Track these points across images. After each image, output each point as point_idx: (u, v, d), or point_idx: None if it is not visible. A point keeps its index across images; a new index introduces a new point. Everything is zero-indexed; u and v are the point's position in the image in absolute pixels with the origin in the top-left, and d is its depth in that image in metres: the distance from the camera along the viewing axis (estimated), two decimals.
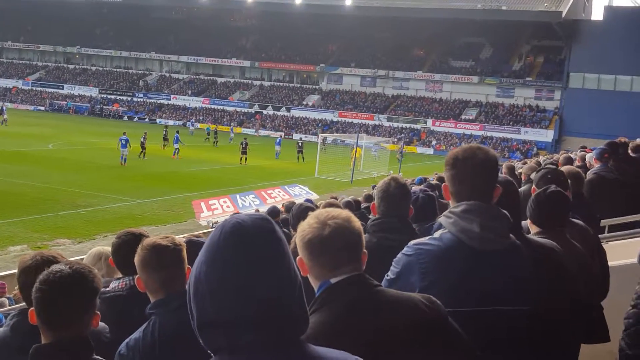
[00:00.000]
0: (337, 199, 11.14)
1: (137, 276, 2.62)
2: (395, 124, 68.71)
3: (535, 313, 2.33)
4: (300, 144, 43.48)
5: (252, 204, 21.76)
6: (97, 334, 2.55)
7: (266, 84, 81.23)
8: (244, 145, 37.94)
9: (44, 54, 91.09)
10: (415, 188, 5.08)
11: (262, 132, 68.46)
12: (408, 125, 68.34)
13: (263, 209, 20.43)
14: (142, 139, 35.75)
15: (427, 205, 4.45)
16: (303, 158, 40.65)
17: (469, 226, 2.33)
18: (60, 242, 16.49)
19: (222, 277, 1.41)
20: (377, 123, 69.40)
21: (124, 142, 32.65)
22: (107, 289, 3.12)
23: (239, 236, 1.42)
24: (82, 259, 3.88)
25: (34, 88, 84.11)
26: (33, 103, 78.61)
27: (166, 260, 2.54)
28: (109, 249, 3.85)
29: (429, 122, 68.00)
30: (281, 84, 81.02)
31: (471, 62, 72.64)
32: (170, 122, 66.35)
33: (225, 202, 21.26)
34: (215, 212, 20.38)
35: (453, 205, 2.47)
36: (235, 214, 7.94)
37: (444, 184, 2.57)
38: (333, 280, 1.89)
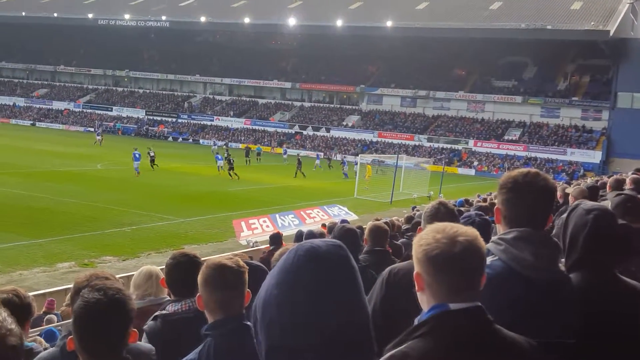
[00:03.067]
0: (379, 220, 11.29)
1: (198, 294, 2.60)
2: (436, 145, 68.48)
3: (584, 347, 2.20)
4: (299, 159, 44.53)
5: (291, 224, 21.99)
6: (143, 355, 2.63)
7: (306, 104, 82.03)
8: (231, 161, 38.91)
9: (94, 77, 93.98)
10: (470, 212, 4.91)
11: (303, 153, 68.86)
12: (449, 146, 68.04)
13: (303, 229, 20.73)
14: (151, 154, 38.91)
15: (483, 230, 4.31)
16: (303, 174, 41.69)
17: (521, 254, 2.24)
18: (106, 259, 17.06)
19: (295, 301, 1.39)
20: (417, 143, 69.28)
21: (137, 156, 36.13)
22: (168, 311, 3.15)
23: (314, 261, 1.40)
24: (131, 276, 4.11)
25: (84, 110, 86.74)
26: (83, 124, 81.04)
27: (229, 281, 2.52)
28: (158, 268, 4.06)
29: (471, 142, 67.56)
30: (321, 104, 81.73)
31: (514, 82, 72.04)
32: (220, 143, 67.44)
33: (264, 221, 21.59)
34: (255, 231, 20.72)
35: (504, 231, 2.39)
36: (306, 234, 8.13)
37: (496, 207, 2.48)
38: (453, 307, 1.73)
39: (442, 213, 3.38)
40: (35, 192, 26.41)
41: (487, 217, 4.39)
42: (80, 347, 2.10)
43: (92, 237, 19.42)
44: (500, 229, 2.45)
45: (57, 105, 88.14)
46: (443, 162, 49.72)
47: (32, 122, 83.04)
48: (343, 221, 11.66)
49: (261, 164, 50.07)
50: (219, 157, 41.51)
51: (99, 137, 57.12)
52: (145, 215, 23.56)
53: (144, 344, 2.74)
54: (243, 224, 20.79)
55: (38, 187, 27.79)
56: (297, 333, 1.40)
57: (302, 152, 68.96)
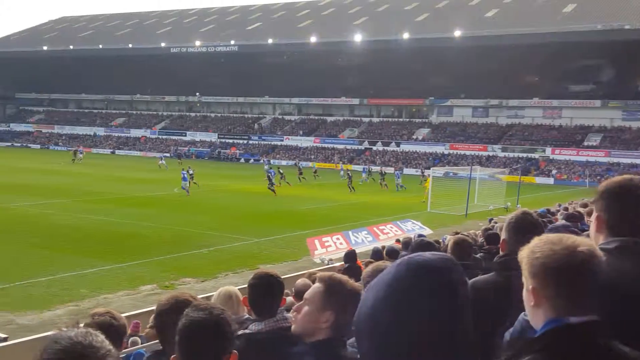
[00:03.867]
0: (458, 233, 11.06)
1: (328, 312, 2.55)
2: (511, 154, 66.91)
3: None
4: (349, 174, 45.56)
5: (364, 241, 21.85)
6: None
7: (375, 120, 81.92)
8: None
9: (168, 104, 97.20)
10: (557, 222, 4.69)
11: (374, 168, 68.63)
12: (524, 155, 66.33)
13: (376, 245, 20.55)
14: (190, 172, 39.46)
15: None
16: (352, 188, 42.30)
17: (622, 265, 2.14)
18: (186, 281, 17.40)
19: (405, 316, 1.35)
20: (491, 154, 67.89)
21: (184, 175, 37.79)
22: (251, 330, 3.17)
23: (426, 275, 1.36)
24: (211, 297, 4.15)
25: (160, 136, 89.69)
26: (159, 150, 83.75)
27: (342, 300, 2.54)
28: (236, 289, 4.08)
29: (548, 150, 65.65)
30: (390, 119, 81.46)
31: (591, 85, 69.65)
32: (284, 162, 68.28)
33: (338, 239, 21.52)
34: (329, 249, 20.67)
35: (604, 241, 2.29)
36: (387, 250, 8.08)
37: (596, 214, 2.37)
38: (573, 320, 1.64)
39: (528, 223, 3.26)
40: (117, 217, 27.34)
41: (574, 229, 4.15)
42: None
43: (171, 260, 19.87)
44: (600, 238, 2.33)
45: (135, 132, 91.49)
46: (519, 171, 48.42)
47: (111, 150, 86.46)
48: (420, 235, 11.44)
49: (321, 181, 50.14)
50: (272, 172, 42.90)
51: (162, 162, 58.65)
52: (221, 237, 23.95)
53: None
54: (317, 242, 20.79)
55: (119, 213, 28.77)
56: (406, 347, 1.37)
57: (374, 167, 68.83)
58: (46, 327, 12.82)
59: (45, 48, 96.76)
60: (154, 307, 10.64)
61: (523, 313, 2.16)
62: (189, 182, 38.17)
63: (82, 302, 14.95)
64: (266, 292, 3.32)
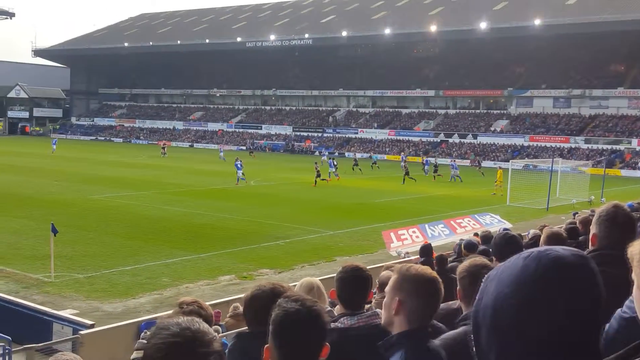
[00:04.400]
0: (545, 227, 10.66)
1: (397, 299, 2.58)
2: (595, 146, 64.34)
3: None
4: (406, 166, 45.68)
5: (441, 234, 21.50)
6: None
7: (451, 112, 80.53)
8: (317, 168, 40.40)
9: (244, 98, 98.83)
10: None
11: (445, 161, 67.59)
12: (609, 147, 63.64)
13: (453, 239, 20.18)
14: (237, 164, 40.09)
15: None
16: (413, 179, 42.24)
17: None
18: (263, 272, 17.62)
19: (536, 313, 1.29)
20: (573, 146, 65.50)
21: (239, 165, 39.10)
22: (343, 325, 3.14)
23: (560, 271, 1.29)
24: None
25: (236, 130, 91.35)
26: (236, 143, 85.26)
27: (436, 291, 2.60)
28: (318, 280, 4.05)
29: (634, 141, 62.72)
30: (467, 110, 79.86)
31: None
32: (359, 155, 68.12)
33: (414, 232, 21.26)
34: (405, 242, 20.46)
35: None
36: (465, 244, 7.88)
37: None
38: None
39: (621, 217, 3.11)
40: (196, 209, 28.01)
41: None
42: (278, 356, 2.12)
43: (249, 251, 20.18)
44: None
45: (212, 126, 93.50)
46: (603, 164, 46.50)
47: (190, 143, 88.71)
48: (505, 229, 11.11)
49: (381, 172, 49.63)
50: (332, 162, 44.42)
51: (221, 154, 59.28)
52: (297, 229, 24.13)
53: None
54: (392, 234, 20.61)
55: (198, 204, 29.47)
56: (536, 345, 1.29)
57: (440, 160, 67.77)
58: (130, 314, 13.27)
59: (126, 44, 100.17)
60: (232, 297, 10.88)
61: (620, 310, 2.09)
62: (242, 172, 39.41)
63: (165, 291, 15.38)
64: (356, 285, 3.28)
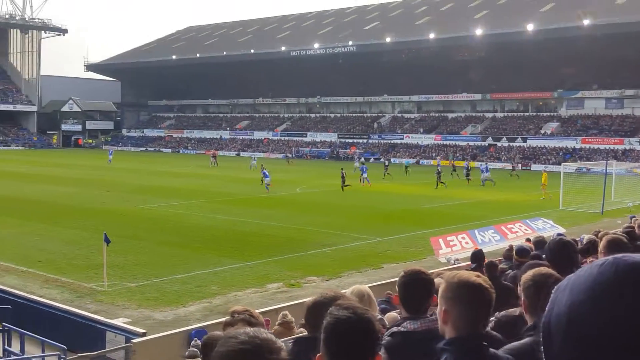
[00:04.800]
0: (601, 232, 10.37)
1: (444, 308, 2.58)
2: None
3: None
4: (439, 170, 45.05)
5: (492, 240, 21.13)
6: None
7: (499, 115, 79.34)
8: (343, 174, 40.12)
9: (289, 106, 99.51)
10: None
11: (499, 165, 66.62)
12: None
13: (504, 245, 19.79)
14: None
15: None
16: (444, 184, 42.20)
17: None
18: (311, 279, 17.60)
19: (614, 320, 1.24)
20: (627, 147, 63.62)
21: (266, 173, 39.44)
22: (407, 329, 3.13)
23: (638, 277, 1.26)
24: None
25: (282, 138, 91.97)
26: (281, 151, 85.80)
27: (484, 299, 2.56)
28: (368, 287, 4.02)
29: None
30: (515, 113, 78.56)
31: None
32: (405, 161, 67.73)
33: (463, 238, 20.95)
34: (454, 248, 20.18)
35: None
36: (517, 249, 7.72)
37: None
38: None
39: None
40: (243, 217, 28.24)
41: None
42: None
43: (296, 259, 20.21)
44: None
45: (258, 135, 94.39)
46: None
47: (236, 152, 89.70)
48: (558, 234, 10.81)
49: (423, 177, 49.10)
50: (364, 168, 44.92)
51: (253, 162, 59.21)
52: (343, 236, 24.07)
53: None
54: (441, 241, 20.36)
55: (245, 212, 29.72)
56: (613, 351, 1.22)
57: (499, 164, 66.76)
58: (180, 323, 13.42)
59: (174, 57, 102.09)
60: (280, 305, 10.88)
61: None
62: (269, 179, 39.66)
63: (214, 299, 15.52)
64: (418, 289, 3.28)
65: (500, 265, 10.12)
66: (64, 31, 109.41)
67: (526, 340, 2.92)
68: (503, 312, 3.89)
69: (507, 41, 72.86)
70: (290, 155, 77.24)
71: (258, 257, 20.12)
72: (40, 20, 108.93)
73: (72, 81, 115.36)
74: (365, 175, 43.52)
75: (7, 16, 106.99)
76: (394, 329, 3.16)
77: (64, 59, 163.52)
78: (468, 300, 2.51)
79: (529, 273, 3.34)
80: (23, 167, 55.84)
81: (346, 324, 2.08)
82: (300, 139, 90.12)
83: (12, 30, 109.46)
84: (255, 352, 1.51)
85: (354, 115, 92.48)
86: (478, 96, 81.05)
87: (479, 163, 57.59)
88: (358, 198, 36.57)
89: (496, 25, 73.16)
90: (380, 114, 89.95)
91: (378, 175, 47.35)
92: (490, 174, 46.27)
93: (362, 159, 63.02)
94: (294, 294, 15.99)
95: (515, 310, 3.67)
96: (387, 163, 55.59)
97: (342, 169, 42.10)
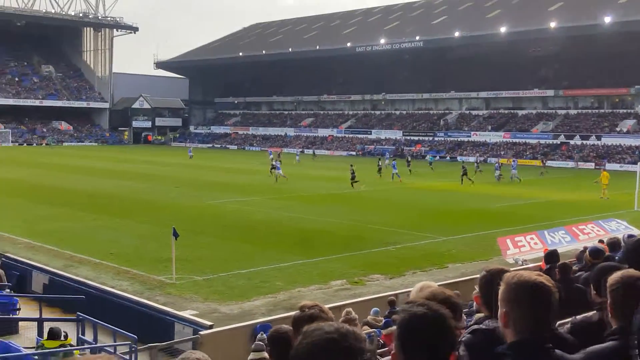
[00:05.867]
0: None
1: (503, 311, 2.52)
2: None
3: None
4: (464, 166, 45.55)
5: (562, 241, 20.58)
6: None
7: (572, 112, 76.88)
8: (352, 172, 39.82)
9: (354, 103, 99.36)
10: None
11: (581, 165, 64.74)
12: None
13: (575, 246, 19.18)
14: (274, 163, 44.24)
15: None
16: (470, 179, 42.26)
17: None
18: (374, 277, 17.54)
19: None
20: None
21: (277, 165, 43.00)
22: (488, 327, 3.08)
23: None
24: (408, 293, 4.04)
25: (346, 135, 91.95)
26: (345, 149, 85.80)
27: (546, 300, 2.47)
28: (436, 284, 3.94)
29: None
30: (589, 110, 75.92)
31: None
32: (471, 159, 66.61)
33: (532, 238, 20.48)
34: (522, 249, 19.75)
35: None
36: (590, 250, 7.50)
37: None
38: None
39: None
40: (306, 214, 28.43)
41: None
42: (405, 359, 2.08)
43: (359, 256, 20.18)
44: None
45: (322, 132, 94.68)
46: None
47: (301, 149, 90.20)
48: (630, 235, 10.39)
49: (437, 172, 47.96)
50: (395, 164, 46.13)
51: (297, 158, 61.78)
52: (407, 234, 23.88)
53: None
54: (509, 241, 19.97)
55: (308, 209, 29.91)
56: None
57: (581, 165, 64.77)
58: (246, 317, 13.64)
59: (240, 54, 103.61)
60: (344, 302, 10.88)
61: None
62: (273, 170, 42.79)
63: (278, 295, 15.70)
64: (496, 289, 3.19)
65: (573, 267, 9.82)
66: (135, 29, 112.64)
67: (609, 344, 2.79)
68: (581, 317, 3.76)
69: (582, 35, 70.36)
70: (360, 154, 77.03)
71: (321, 254, 20.21)
72: (112, 19, 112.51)
73: (142, 78, 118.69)
74: (395, 171, 44.33)
75: (80, 14, 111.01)
76: (475, 326, 3.11)
77: (134, 57, 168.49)
78: (529, 301, 2.42)
79: (617, 275, 3.19)
80: (97, 162, 57.92)
81: (421, 320, 2.06)
82: (364, 136, 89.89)
83: (85, 28, 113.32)
84: (342, 340, 1.57)
85: (419, 112, 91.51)
86: (550, 92, 78.76)
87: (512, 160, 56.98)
88: (423, 197, 36.20)
89: (571, 18, 70.85)
90: (447, 111, 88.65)
91: (443, 174, 46.88)
92: (517, 171, 46.90)
93: (390, 156, 63.68)
94: (357, 291, 15.98)
95: (594, 315, 3.53)
96: (409, 158, 57.10)
97: (351, 165, 42.20)
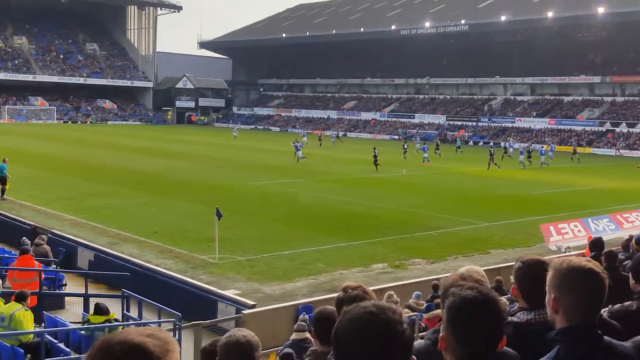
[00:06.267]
0: None
1: (553, 297, 2.47)
2: None
3: None
4: (491, 151, 45.31)
5: (606, 229, 20.31)
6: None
7: (619, 99, 74.88)
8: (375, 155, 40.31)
9: (397, 86, 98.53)
10: None
11: (625, 153, 63.26)
12: None
13: (620, 235, 18.85)
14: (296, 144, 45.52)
15: None
16: (496, 165, 42.60)
17: None
18: (416, 261, 17.56)
19: None
20: None
21: (298, 147, 44.64)
22: (519, 319, 3.09)
23: None
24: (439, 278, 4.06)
25: (389, 119, 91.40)
26: (388, 133, 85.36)
27: (595, 287, 2.43)
28: (481, 269, 3.95)
29: None
30: (636, 98, 73.78)
31: None
32: (516, 145, 65.59)
33: (576, 226, 20.26)
34: (566, 236, 19.55)
35: None
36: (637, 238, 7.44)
37: None
38: None
39: None
40: (348, 197, 28.51)
41: None
42: (454, 344, 2.09)
43: (401, 240, 20.20)
44: None
45: (365, 115, 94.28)
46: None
47: (343, 132, 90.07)
48: None
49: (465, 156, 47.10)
50: (425, 147, 46.48)
51: (333, 139, 61.94)
52: (449, 219, 23.77)
53: (510, 350, 2.58)
54: (552, 228, 19.79)
55: (350, 192, 29.98)
56: None
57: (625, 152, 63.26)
58: (287, 297, 13.84)
59: (284, 35, 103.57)
60: (385, 285, 10.97)
61: None
62: (300, 152, 44.17)
63: (320, 276, 15.86)
64: (537, 279, 3.07)
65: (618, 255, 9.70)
66: (179, 8, 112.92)
67: None
68: (618, 306, 3.72)
69: (630, 20, 68.30)
70: (337, 134, 75.58)
71: (363, 237, 20.29)
72: None
73: (186, 58, 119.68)
74: (426, 155, 44.82)
75: None
76: (508, 318, 3.05)
77: (178, 36, 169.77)
78: (580, 287, 2.39)
79: None
80: (141, 141, 58.93)
81: (471, 303, 2.06)
82: (407, 120, 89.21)
83: (129, 6, 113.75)
84: (380, 313, 1.65)
85: (463, 97, 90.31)
86: (597, 79, 76.79)
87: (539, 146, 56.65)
88: (465, 182, 35.89)
89: (620, 3, 68.75)
90: (491, 96, 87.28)
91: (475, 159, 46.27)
92: (545, 158, 46.93)
93: (420, 140, 63.66)
94: (398, 275, 16.04)
95: (631, 305, 3.51)
96: (438, 142, 57.49)
97: (374, 148, 42.64)
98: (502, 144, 63.57)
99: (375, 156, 40.10)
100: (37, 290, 12.41)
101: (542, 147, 53.68)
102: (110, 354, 1.34)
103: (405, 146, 50.24)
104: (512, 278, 3.28)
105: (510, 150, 53.18)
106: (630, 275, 3.88)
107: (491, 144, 66.82)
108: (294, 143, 45.72)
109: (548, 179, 38.06)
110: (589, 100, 77.20)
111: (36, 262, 12.98)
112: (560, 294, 2.43)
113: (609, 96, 76.05)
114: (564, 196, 31.10)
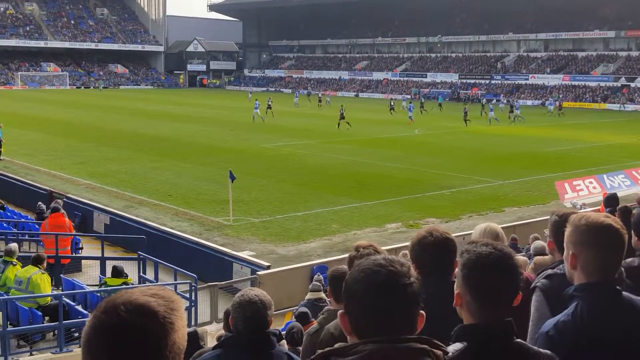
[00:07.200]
0: None
1: (570, 252, 2.47)
2: None
3: None
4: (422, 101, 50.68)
5: (621, 185, 20.26)
6: None
7: (634, 54, 73.59)
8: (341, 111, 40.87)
9: (409, 45, 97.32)
10: None
11: (630, 107, 62.50)
12: None
13: (635, 190, 18.73)
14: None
15: None
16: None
17: None
18: (429, 221, 17.56)
19: None
20: None
21: (256, 105, 46.03)
22: (561, 270, 2.95)
23: None
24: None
25: (401, 79, 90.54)
26: (400, 92, 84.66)
27: (615, 242, 2.39)
28: (499, 227, 3.92)
29: None
30: None
31: None
32: (529, 102, 64.97)
33: (591, 182, 20.20)
34: (581, 193, 19.50)
35: None
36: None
37: None
38: None
39: None
40: (361, 158, 28.42)
41: None
42: (469, 301, 2.07)
43: (414, 200, 20.19)
44: None
45: (377, 75, 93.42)
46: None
47: (355, 93, 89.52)
48: None
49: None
50: (411, 107, 46.78)
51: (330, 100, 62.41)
52: (463, 178, 23.69)
53: (547, 351, 2.54)
54: (567, 185, 19.72)
55: (363, 153, 29.88)
56: None
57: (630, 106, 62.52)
58: (302, 258, 13.93)
59: None
60: (399, 245, 10.99)
61: None
62: (259, 111, 45.14)
63: (334, 237, 15.93)
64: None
65: (633, 211, 9.63)
66: None
67: None
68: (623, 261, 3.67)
69: None
70: (308, 92, 74.71)
71: (376, 198, 20.29)
72: None
73: (196, 21, 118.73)
74: (411, 114, 45.32)
75: None
76: (550, 271, 3.05)
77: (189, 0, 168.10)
78: (599, 243, 2.36)
79: None
80: (154, 105, 58.85)
81: (487, 259, 2.04)
82: (420, 79, 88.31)
83: None
84: (388, 265, 1.67)
85: (476, 55, 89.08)
86: (611, 33, 75.34)
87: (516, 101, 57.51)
88: (478, 141, 35.65)
89: None
90: (505, 54, 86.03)
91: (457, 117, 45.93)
92: (520, 111, 47.95)
93: (409, 98, 65.43)
94: (412, 234, 15.98)
95: (633, 261, 3.45)
96: (422, 101, 58.90)
97: (342, 105, 43.75)
98: (502, 101, 63.67)
99: (342, 113, 40.42)
100: (69, 247, 12.93)
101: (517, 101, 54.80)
102: (115, 315, 1.33)
103: (392, 103, 53.06)
104: (545, 232, 3.26)
105: (506, 106, 53.00)
106: (632, 231, 3.83)
107: (501, 101, 66.00)
108: (255, 101, 47.60)
109: (560, 136, 37.74)
110: (603, 55, 75.92)
111: (67, 220, 13.08)
112: (578, 250, 2.41)
113: (624, 51, 74.73)
114: (576, 152, 30.87)
